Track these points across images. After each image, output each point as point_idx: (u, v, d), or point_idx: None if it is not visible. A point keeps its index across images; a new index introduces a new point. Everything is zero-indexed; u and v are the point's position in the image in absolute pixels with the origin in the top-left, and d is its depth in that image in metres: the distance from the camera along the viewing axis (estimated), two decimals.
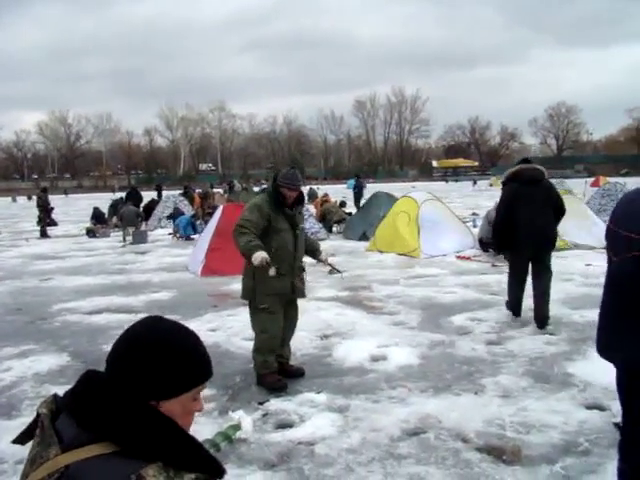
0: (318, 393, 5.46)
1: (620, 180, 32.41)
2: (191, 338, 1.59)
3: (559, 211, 7.63)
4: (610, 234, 3.00)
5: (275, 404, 5.24)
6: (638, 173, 77.29)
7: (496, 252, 10.73)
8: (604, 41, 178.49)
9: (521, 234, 7.35)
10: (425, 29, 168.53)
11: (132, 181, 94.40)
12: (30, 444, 1.48)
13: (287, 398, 5.39)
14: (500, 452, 4.34)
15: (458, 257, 13.66)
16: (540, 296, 7.54)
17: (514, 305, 7.88)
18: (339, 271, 6.98)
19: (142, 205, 25.69)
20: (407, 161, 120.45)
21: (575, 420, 4.83)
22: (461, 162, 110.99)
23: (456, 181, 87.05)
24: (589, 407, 5.07)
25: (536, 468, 4.11)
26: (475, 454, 4.31)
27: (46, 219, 24.10)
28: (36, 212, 25.13)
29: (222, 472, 1.50)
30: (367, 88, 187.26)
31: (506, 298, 8.11)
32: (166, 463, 1.37)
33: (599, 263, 10.18)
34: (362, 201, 25.98)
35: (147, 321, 1.59)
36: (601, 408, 5.02)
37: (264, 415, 5.02)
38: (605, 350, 3.12)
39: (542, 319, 7.41)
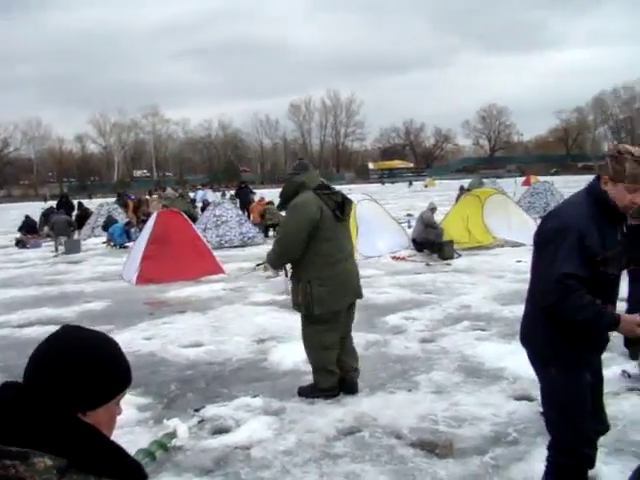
0: (254, 397, 5.47)
1: (549, 179, 33.47)
2: (111, 346, 1.59)
3: None
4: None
5: (211, 410, 5.22)
6: (567, 172, 79.69)
7: None
8: (528, 46, 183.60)
9: None
10: (357, 35, 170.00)
11: (64, 189, 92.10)
12: None
13: (223, 404, 5.38)
14: (433, 446, 4.45)
15: (393, 257, 13.86)
16: None
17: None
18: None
19: (74, 214, 25.16)
20: (344, 164, 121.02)
21: (505, 411, 4.99)
22: (397, 164, 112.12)
23: (392, 183, 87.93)
24: (518, 398, 5.24)
25: (467, 460, 4.23)
26: (409, 450, 4.41)
27: None
28: None
29: (145, 478, 1.51)
30: (302, 92, 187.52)
31: (440, 296, 8.25)
32: (93, 473, 1.37)
33: (529, 259, 10.48)
34: None
35: (66, 331, 1.58)
36: (529, 399, 5.18)
37: (200, 422, 5.00)
38: (521, 339, 3.33)
39: None
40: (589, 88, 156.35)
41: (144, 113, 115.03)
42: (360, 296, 5.64)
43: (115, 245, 19.48)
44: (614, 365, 5.63)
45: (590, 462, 3.23)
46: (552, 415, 3.24)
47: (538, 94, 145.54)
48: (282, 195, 5.57)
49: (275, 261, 5.64)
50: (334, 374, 5.41)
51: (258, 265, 5.68)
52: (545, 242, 3.04)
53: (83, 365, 1.47)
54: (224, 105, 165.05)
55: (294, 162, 5.92)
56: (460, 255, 13.87)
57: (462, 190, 24.18)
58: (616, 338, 3.30)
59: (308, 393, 5.45)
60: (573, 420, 3.11)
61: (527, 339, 3.29)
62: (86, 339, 1.56)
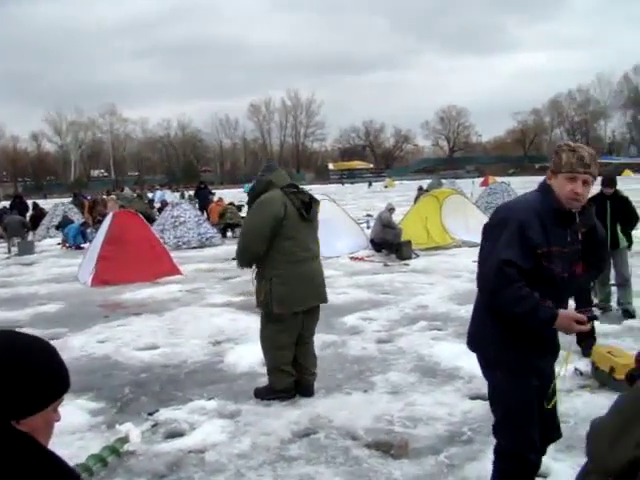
0: (209, 400, 5.41)
1: (506, 179, 33.95)
2: (47, 351, 1.54)
3: None
4: None
5: (165, 414, 5.15)
6: (524, 173, 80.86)
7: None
8: (487, 49, 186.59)
9: None
10: (317, 35, 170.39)
11: (19, 189, 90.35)
12: None
13: (177, 407, 5.32)
14: (388, 447, 4.46)
15: (351, 258, 13.90)
16: None
17: None
18: None
19: (29, 214, 24.68)
20: (303, 164, 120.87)
21: (460, 411, 5.02)
22: (357, 164, 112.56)
23: (352, 183, 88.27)
24: (473, 398, 5.27)
25: (422, 460, 4.25)
26: (364, 450, 4.40)
27: None
28: None
29: None
30: (262, 92, 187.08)
31: (398, 296, 8.29)
32: None
33: None
34: None
35: (0, 337, 1.53)
36: (484, 398, 5.15)
37: (153, 425, 4.92)
38: (469, 342, 3.36)
39: None
40: (545, 90, 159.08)
41: (102, 112, 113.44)
42: (324, 300, 5.60)
43: (70, 246, 19.15)
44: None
45: (535, 468, 3.24)
46: (498, 418, 3.25)
47: (496, 96, 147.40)
48: (250, 194, 5.55)
49: (239, 256, 5.55)
50: (289, 375, 5.38)
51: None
52: (489, 232, 3.09)
53: (15, 371, 1.43)
54: (183, 104, 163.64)
55: (264, 163, 5.90)
56: (418, 255, 13.96)
57: (421, 190, 24.40)
58: (570, 336, 3.32)
59: (263, 395, 5.42)
60: (518, 424, 3.11)
61: (474, 342, 3.30)
62: (20, 344, 1.51)
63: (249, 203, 5.59)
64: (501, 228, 2.98)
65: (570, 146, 2.96)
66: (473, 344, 3.31)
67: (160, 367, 6.52)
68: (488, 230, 3.12)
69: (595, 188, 8.07)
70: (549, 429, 3.28)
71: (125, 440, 4.49)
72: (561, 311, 2.88)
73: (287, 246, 5.20)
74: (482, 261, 3.08)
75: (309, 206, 5.37)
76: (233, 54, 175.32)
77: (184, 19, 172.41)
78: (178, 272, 12.32)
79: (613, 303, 8.24)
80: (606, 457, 2.08)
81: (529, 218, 2.94)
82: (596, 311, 2.90)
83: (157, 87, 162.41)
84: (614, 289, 8.28)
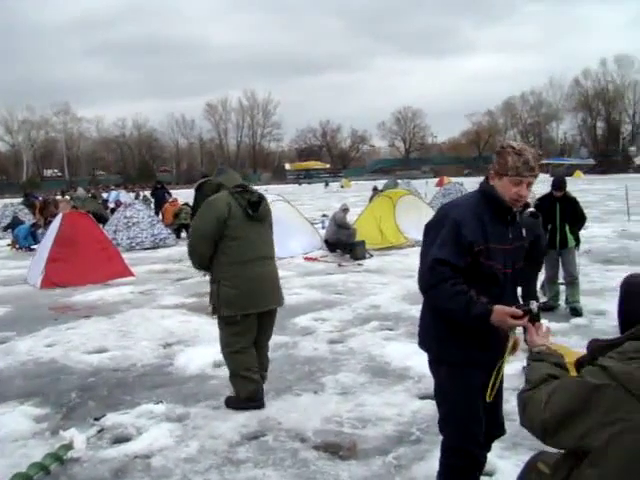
0: (157, 404, 5.34)
1: (460, 180, 34.39)
2: None
3: None
4: None
5: (112, 418, 5.06)
6: (479, 173, 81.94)
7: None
8: (442, 51, 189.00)
9: None
10: (275, 36, 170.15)
11: None
12: None
13: (125, 411, 5.23)
14: (337, 448, 4.45)
15: (305, 258, 13.89)
16: None
17: None
18: None
19: None
20: (260, 164, 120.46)
21: (409, 411, 5.05)
22: (313, 164, 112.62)
23: (309, 183, 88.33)
24: (422, 397, 5.30)
25: (370, 461, 4.25)
26: (312, 452, 4.39)
27: None
28: None
29: None
30: (219, 92, 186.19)
31: (351, 296, 8.30)
32: None
33: None
34: None
35: None
36: (433, 397, 5.23)
37: (99, 431, 4.83)
38: (419, 342, 3.39)
39: None
40: (499, 92, 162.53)
41: (55, 110, 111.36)
42: (278, 303, 5.44)
43: (20, 247, 18.74)
44: (516, 361, 5.75)
45: (480, 464, 3.28)
46: (442, 414, 3.28)
47: (451, 97, 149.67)
48: (199, 195, 5.48)
49: (190, 258, 5.43)
50: (250, 381, 5.19)
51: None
52: (427, 232, 3.16)
53: None
54: (139, 104, 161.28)
55: (218, 166, 5.84)
56: (372, 255, 14.02)
57: (375, 191, 24.49)
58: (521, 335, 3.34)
59: (231, 405, 5.25)
60: (462, 420, 3.15)
61: (422, 340, 3.35)
62: None
63: (195, 206, 5.52)
64: (438, 228, 3.05)
65: (515, 148, 2.95)
66: (421, 342, 3.35)
67: (109, 371, 6.42)
68: (427, 230, 3.18)
69: (545, 188, 8.26)
70: (493, 425, 3.32)
71: (69, 447, 4.40)
72: (496, 307, 2.89)
73: (234, 247, 5.08)
74: (420, 260, 3.14)
75: (256, 205, 5.24)
76: (190, 53, 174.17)
77: (142, 18, 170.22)
78: (130, 273, 12.16)
79: (561, 301, 8.40)
80: (550, 439, 2.15)
81: (465, 216, 2.99)
82: (533, 304, 2.91)
83: (113, 86, 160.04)
84: (563, 287, 8.44)
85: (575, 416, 2.12)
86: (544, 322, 2.95)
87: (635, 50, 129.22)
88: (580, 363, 2.31)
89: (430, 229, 3.14)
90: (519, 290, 6.53)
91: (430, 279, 3.01)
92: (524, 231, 3.23)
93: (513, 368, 5.60)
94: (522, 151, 2.94)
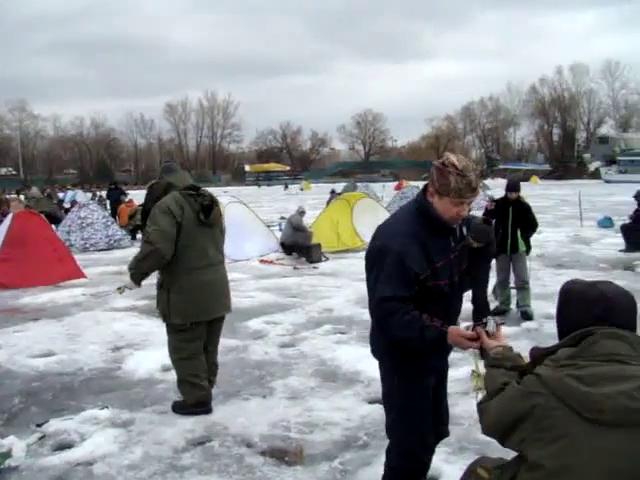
0: (102, 409, 5.23)
1: (418, 184, 34.63)
2: None
3: None
4: None
5: (55, 424, 4.94)
6: None
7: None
8: (403, 56, 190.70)
9: None
10: (236, 37, 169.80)
11: None
12: None
13: (69, 417, 5.11)
14: (283, 454, 4.42)
15: (261, 261, 13.83)
16: None
17: None
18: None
19: None
20: (220, 166, 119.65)
21: (357, 415, 5.04)
22: (273, 167, 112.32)
23: (268, 185, 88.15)
24: (371, 402, 5.28)
25: (316, 466, 4.23)
26: (258, 458, 4.35)
27: None
28: None
29: None
30: (179, 93, 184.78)
31: (304, 299, 8.28)
32: None
33: None
34: None
35: None
36: (382, 401, 5.24)
37: (41, 438, 4.71)
38: (371, 351, 3.38)
39: None
40: (458, 98, 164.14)
41: (10, 107, 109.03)
42: (228, 310, 5.36)
43: None
44: (466, 365, 5.80)
45: (425, 467, 3.29)
46: (393, 418, 3.26)
47: (411, 102, 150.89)
48: (149, 196, 5.20)
49: (140, 264, 5.03)
50: (197, 387, 5.10)
51: (119, 289, 5.25)
52: (370, 265, 3.06)
53: None
54: (97, 103, 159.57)
55: (162, 163, 5.63)
56: (328, 258, 14.02)
57: (333, 194, 24.55)
58: None
59: (177, 410, 5.16)
60: (414, 424, 3.15)
61: (373, 348, 3.34)
62: None
63: (145, 208, 5.24)
64: (380, 261, 2.95)
65: (457, 168, 2.81)
66: (373, 351, 3.35)
67: (54, 375, 6.27)
68: (369, 261, 3.08)
69: (503, 193, 8.35)
70: (438, 422, 3.33)
71: (7, 455, 4.28)
72: (450, 328, 2.85)
73: (184, 254, 4.90)
74: (368, 293, 3.09)
75: (209, 210, 5.09)
76: (151, 53, 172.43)
77: (102, 16, 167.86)
78: (82, 275, 11.94)
79: (513, 305, 8.51)
80: (504, 445, 2.24)
81: (406, 246, 2.90)
82: (490, 322, 2.81)
83: (71, 84, 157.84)
84: (514, 292, 8.55)
85: (513, 424, 2.14)
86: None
87: (590, 60, 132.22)
88: (523, 372, 2.32)
89: (372, 261, 3.03)
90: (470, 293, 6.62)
91: (380, 315, 3.00)
92: (464, 229, 3.24)
93: (462, 372, 5.65)
94: (465, 172, 2.81)
